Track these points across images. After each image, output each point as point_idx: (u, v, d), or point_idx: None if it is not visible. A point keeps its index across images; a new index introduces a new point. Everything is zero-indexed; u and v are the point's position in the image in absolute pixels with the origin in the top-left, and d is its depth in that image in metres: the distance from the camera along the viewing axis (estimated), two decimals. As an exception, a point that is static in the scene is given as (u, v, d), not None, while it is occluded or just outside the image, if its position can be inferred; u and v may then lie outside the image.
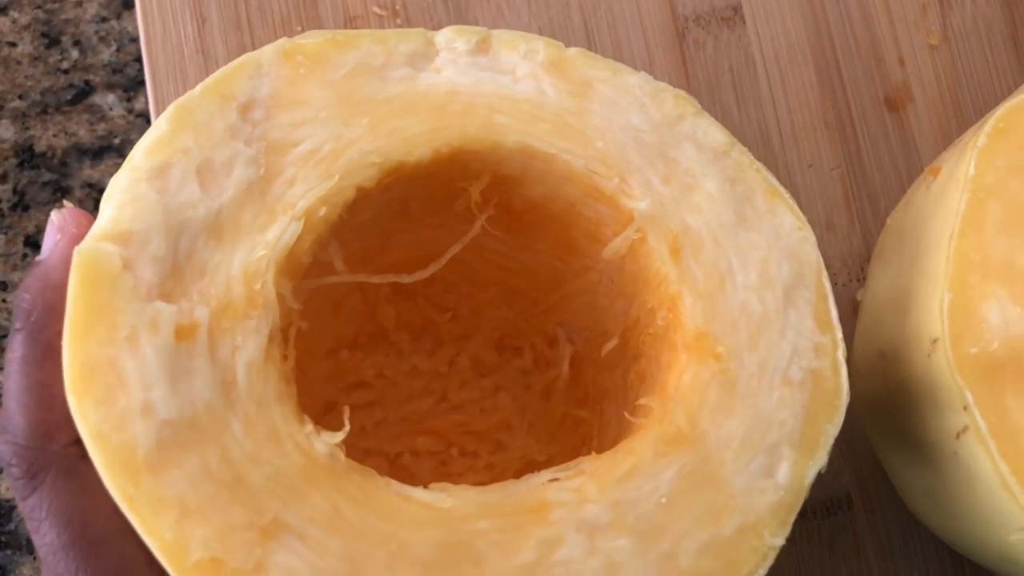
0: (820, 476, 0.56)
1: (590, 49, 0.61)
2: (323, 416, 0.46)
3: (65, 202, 0.37)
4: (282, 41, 0.39)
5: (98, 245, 0.33)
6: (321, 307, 0.43)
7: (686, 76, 0.60)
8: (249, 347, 0.33)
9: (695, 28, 0.60)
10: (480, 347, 0.49)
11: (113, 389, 0.31)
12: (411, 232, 0.43)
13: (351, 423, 0.47)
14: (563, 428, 0.47)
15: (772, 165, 0.59)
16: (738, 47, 0.60)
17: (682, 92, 0.42)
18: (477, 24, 0.60)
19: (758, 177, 0.40)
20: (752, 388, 0.36)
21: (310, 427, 0.33)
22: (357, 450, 0.47)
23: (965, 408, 0.37)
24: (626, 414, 0.37)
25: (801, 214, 0.40)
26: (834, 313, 0.38)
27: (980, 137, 0.39)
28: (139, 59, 0.65)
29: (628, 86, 0.41)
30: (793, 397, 0.36)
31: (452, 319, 0.48)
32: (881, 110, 0.60)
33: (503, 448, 0.48)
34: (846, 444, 0.55)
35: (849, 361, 0.50)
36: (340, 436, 0.34)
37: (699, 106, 0.42)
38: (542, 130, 0.39)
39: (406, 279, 0.42)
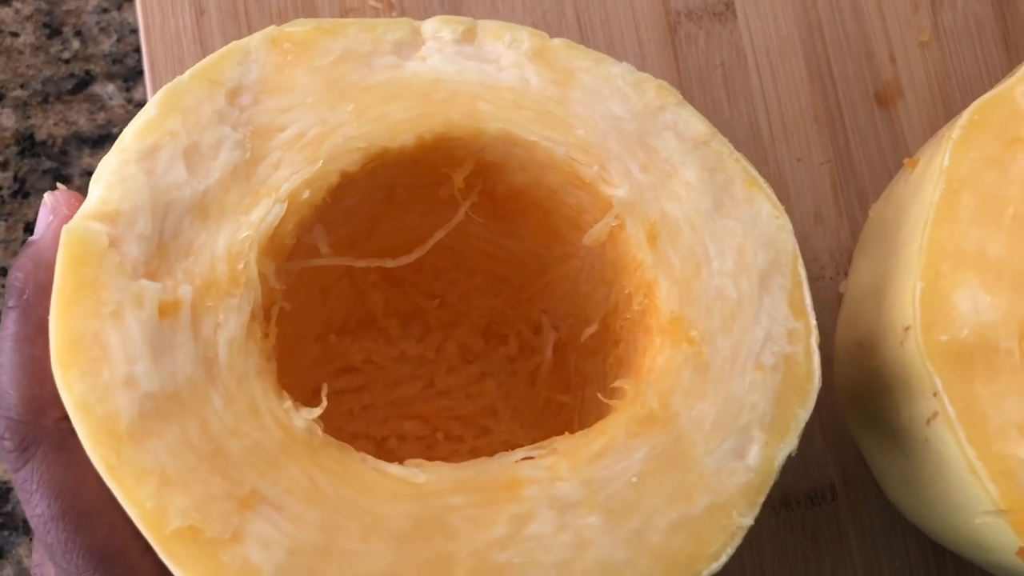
0: (805, 467, 0.57)
1: (583, 43, 0.62)
2: (311, 400, 0.47)
3: (59, 184, 0.38)
4: (271, 28, 0.40)
5: (86, 223, 0.34)
6: (309, 291, 0.44)
7: (677, 70, 0.60)
8: (231, 324, 0.34)
9: (687, 23, 0.61)
10: (467, 334, 0.50)
11: (97, 362, 0.32)
12: (398, 218, 0.44)
13: (339, 407, 0.48)
14: (546, 413, 0.47)
15: (761, 159, 0.59)
16: (729, 42, 0.61)
17: (664, 82, 0.42)
18: (472, 17, 0.61)
19: (737, 166, 0.41)
20: (725, 371, 0.37)
21: (288, 402, 0.34)
22: (344, 433, 0.48)
23: (935, 394, 0.37)
24: (599, 395, 0.38)
25: (779, 203, 0.41)
26: (808, 300, 0.39)
27: (955, 129, 0.40)
28: (139, 50, 0.66)
29: (611, 76, 0.42)
30: (765, 381, 0.37)
31: (440, 306, 0.49)
32: (871, 106, 0.60)
33: (488, 433, 0.48)
34: (832, 435, 0.56)
35: (832, 352, 0.51)
36: (317, 411, 0.34)
37: (680, 96, 0.42)
38: (524, 118, 0.40)
39: (390, 264, 0.43)
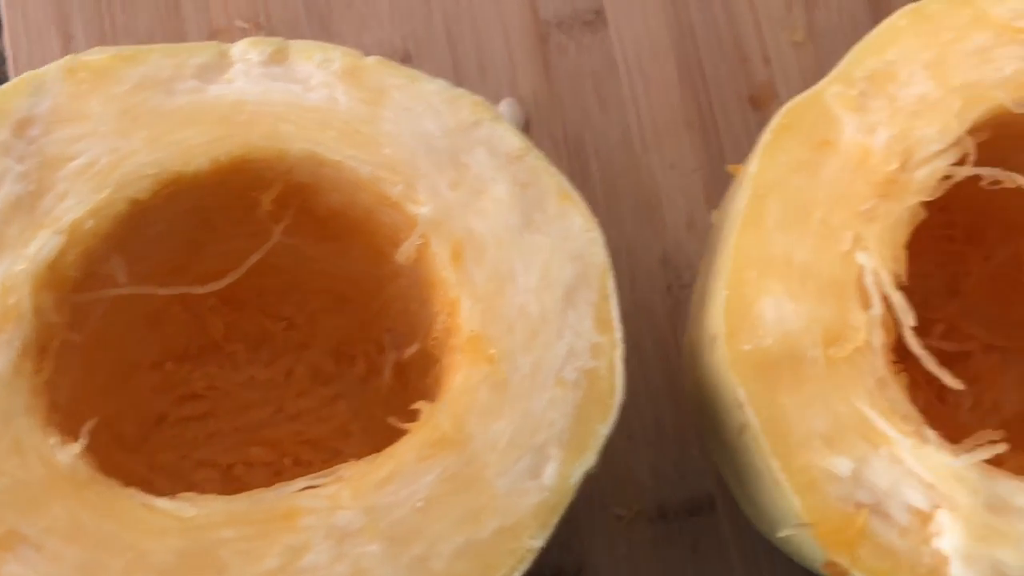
0: (682, 477, 0.56)
1: (453, 57, 0.61)
2: (152, 428, 0.47)
3: None
4: (68, 58, 0.39)
5: None
6: (131, 320, 0.43)
7: (548, 81, 0.60)
8: (-1, 361, 0.33)
9: (557, 33, 0.61)
10: (318, 355, 0.49)
11: None
12: (224, 242, 0.44)
13: (183, 435, 0.47)
14: (393, 434, 0.47)
15: (634, 167, 0.59)
16: (600, 50, 0.60)
17: (480, 98, 0.42)
18: (341, 36, 0.60)
19: (551, 181, 0.41)
20: (524, 389, 0.36)
21: (55, 439, 0.34)
22: (189, 461, 0.47)
23: (741, 406, 0.37)
24: (391, 419, 0.38)
25: (591, 216, 0.40)
26: (615, 313, 0.38)
27: (765, 134, 0.39)
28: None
29: (425, 93, 0.41)
30: (566, 397, 0.37)
31: (288, 328, 0.49)
32: (745, 109, 0.60)
33: (339, 456, 0.48)
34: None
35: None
36: (78, 447, 0.34)
37: (497, 112, 0.42)
38: (329, 137, 0.39)
39: (198, 291, 0.42)
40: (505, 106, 0.59)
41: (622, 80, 0.60)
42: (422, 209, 0.39)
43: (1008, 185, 0.39)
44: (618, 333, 0.38)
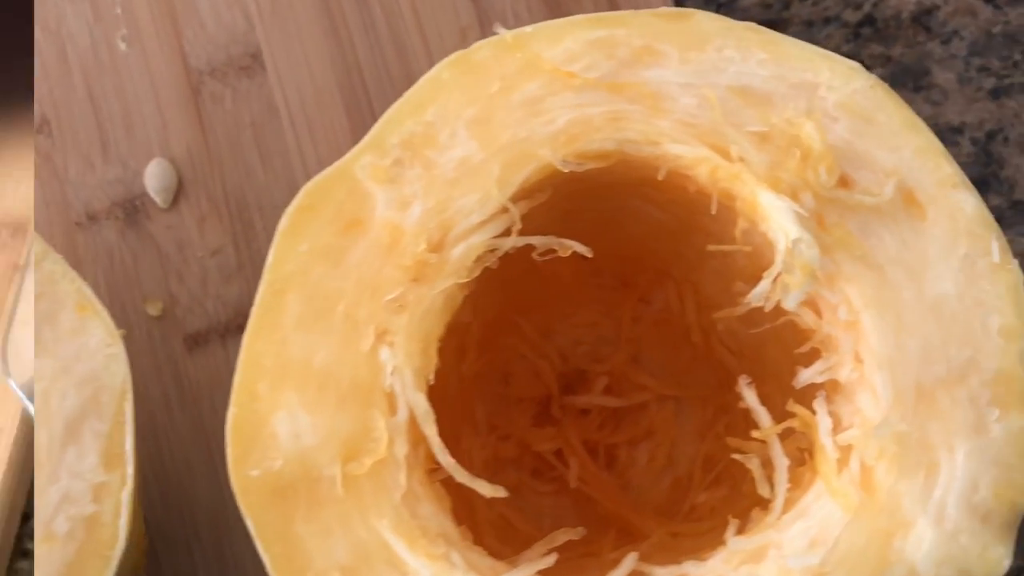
0: None
1: (97, 118, 0.55)
2: None
3: None
4: None
5: None
6: None
7: (203, 135, 0.55)
8: None
9: (211, 81, 0.55)
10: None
11: None
12: None
13: None
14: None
15: (304, 223, 0.54)
16: (259, 97, 0.55)
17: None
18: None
19: (70, 288, 0.36)
20: (0, 551, 0.32)
21: None
22: None
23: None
24: None
25: (115, 329, 0.35)
26: (129, 443, 0.34)
27: (283, 219, 0.35)
28: None
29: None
30: (52, 555, 0.32)
31: None
32: (422, 148, 0.55)
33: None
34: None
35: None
36: None
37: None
38: None
39: None
40: (154, 167, 0.54)
41: (285, 128, 0.55)
42: None
43: (562, 254, 0.34)
44: (130, 467, 0.33)
